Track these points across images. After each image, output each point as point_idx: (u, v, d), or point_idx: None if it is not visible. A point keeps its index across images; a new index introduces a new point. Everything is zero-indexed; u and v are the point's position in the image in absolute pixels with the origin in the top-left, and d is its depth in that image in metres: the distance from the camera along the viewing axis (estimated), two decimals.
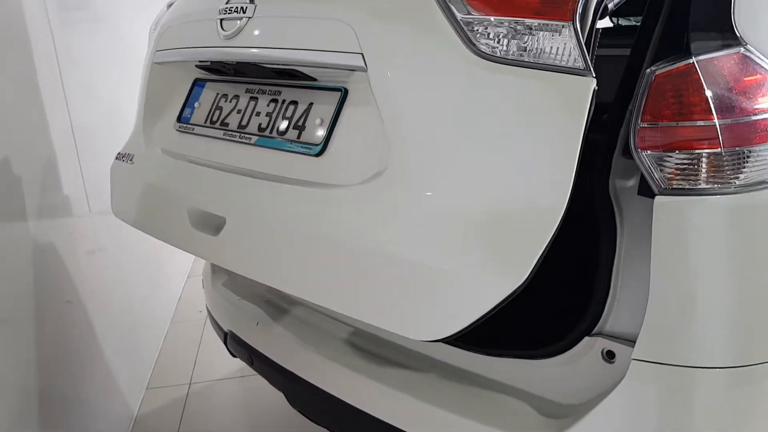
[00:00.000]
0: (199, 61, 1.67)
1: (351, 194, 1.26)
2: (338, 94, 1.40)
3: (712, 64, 1.13)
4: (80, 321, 2.40)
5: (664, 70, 1.14)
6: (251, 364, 1.90)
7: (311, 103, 1.46)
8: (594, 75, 1.05)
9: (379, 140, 1.24)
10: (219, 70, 1.66)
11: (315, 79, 1.46)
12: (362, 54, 1.27)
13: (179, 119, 1.77)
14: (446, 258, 1.10)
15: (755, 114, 1.12)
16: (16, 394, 1.80)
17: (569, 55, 1.06)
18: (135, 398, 2.77)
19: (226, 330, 1.99)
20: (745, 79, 1.15)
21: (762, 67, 1.17)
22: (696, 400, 1.16)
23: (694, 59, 1.12)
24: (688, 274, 1.13)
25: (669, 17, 1.24)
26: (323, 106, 1.43)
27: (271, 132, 1.51)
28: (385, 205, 1.20)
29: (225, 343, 2.01)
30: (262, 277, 1.42)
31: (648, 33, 1.25)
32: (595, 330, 1.28)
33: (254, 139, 1.54)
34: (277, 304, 1.90)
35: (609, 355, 1.27)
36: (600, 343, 1.27)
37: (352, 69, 1.31)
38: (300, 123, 1.46)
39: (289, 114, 1.49)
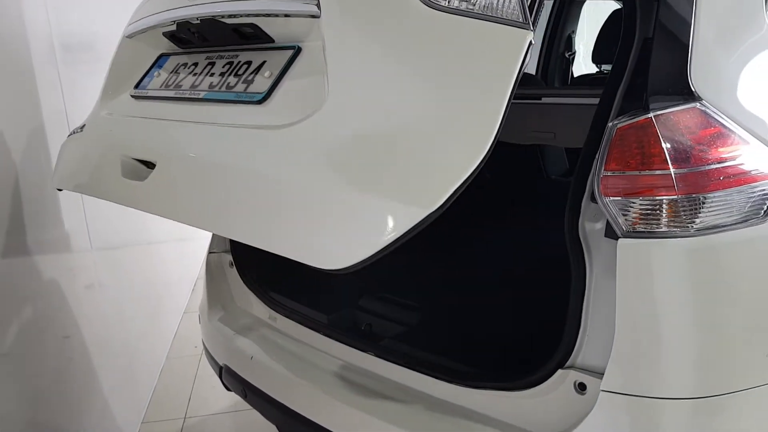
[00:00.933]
0: (171, 22, 1.70)
1: (280, 132, 1.32)
2: (291, 52, 1.47)
3: (668, 119, 1.24)
4: (78, 355, 2.46)
5: (625, 123, 1.25)
6: (245, 397, 1.97)
7: (264, 61, 1.53)
8: (532, 29, 1.14)
9: (321, 86, 1.30)
10: (184, 39, 1.71)
11: (273, 40, 1.54)
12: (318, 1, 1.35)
13: (136, 87, 1.82)
14: (359, 186, 1.16)
15: (709, 164, 1.23)
16: (16, 426, 1.86)
17: (512, 10, 1.16)
18: None
19: (221, 364, 2.06)
20: (700, 132, 1.26)
21: (717, 121, 1.28)
22: (660, 430, 1.24)
23: (652, 114, 1.23)
24: (651, 311, 1.23)
25: (633, 74, 1.35)
26: (275, 62, 1.50)
27: (220, 88, 1.57)
28: (309, 139, 1.27)
29: (220, 376, 2.08)
30: (184, 216, 1.43)
31: (614, 87, 1.36)
32: (568, 363, 1.36)
33: (203, 94, 1.59)
34: (271, 339, 1.97)
35: (581, 387, 1.35)
36: (572, 376, 1.36)
37: (310, 15, 1.39)
38: (249, 78, 1.52)
39: (241, 72, 1.56)
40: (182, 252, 4.74)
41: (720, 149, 1.25)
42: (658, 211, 1.21)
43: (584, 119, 2.12)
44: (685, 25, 1.34)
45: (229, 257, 2.19)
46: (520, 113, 2.28)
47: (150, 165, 1.51)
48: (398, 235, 1.10)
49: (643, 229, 1.22)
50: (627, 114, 1.26)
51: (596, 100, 1.96)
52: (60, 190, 1.88)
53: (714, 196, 1.22)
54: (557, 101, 2.14)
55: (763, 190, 1.27)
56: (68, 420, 2.26)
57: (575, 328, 1.35)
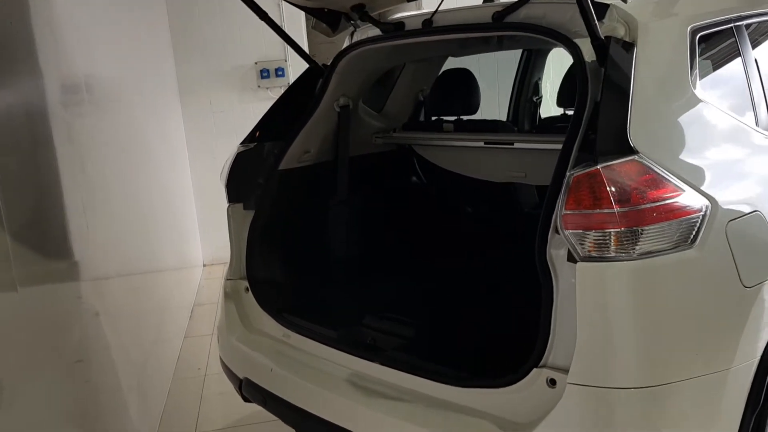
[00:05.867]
0: None
1: None
2: None
3: (612, 169, 1.59)
4: (92, 377, 2.64)
5: (579, 173, 1.60)
6: (265, 405, 2.26)
7: None
8: None
9: None
10: None
11: None
12: None
13: None
14: None
15: (645, 203, 1.58)
16: None
17: None
18: None
19: (241, 377, 2.35)
20: (638, 178, 1.61)
21: (651, 169, 1.63)
22: (614, 412, 1.58)
23: (599, 165, 1.59)
24: (604, 319, 1.57)
25: (585, 132, 1.71)
26: None
27: None
28: None
29: (240, 389, 2.37)
30: None
31: (571, 142, 1.72)
32: (541, 363, 1.70)
33: None
34: (286, 354, 2.28)
35: (551, 382, 1.68)
36: (545, 373, 1.69)
37: None
38: None
39: None
40: (179, 280, 4.99)
41: (654, 192, 1.61)
42: (606, 241, 1.56)
43: (550, 161, 2.49)
44: (625, 93, 1.71)
45: (245, 283, 2.50)
46: (497, 156, 2.66)
47: None
48: None
49: (595, 255, 1.57)
50: (580, 165, 1.62)
51: (559, 145, 2.34)
52: None
53: (649, 229, 1.57)
54: (527, 146, 2.51)
55: (689, 222, 1.63)
56: None
57: (546, 335, 1.69)
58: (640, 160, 1.63)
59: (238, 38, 5.40)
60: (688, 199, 1.65)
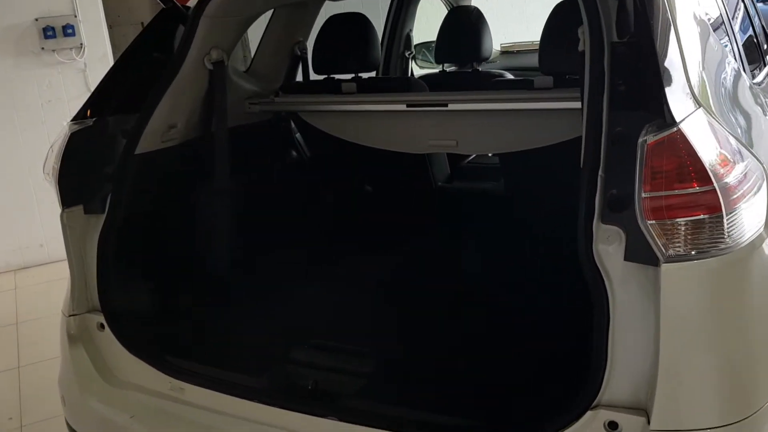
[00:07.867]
0: None
1: None
2: None
3: (692, 129, 1.15)
4: None
5: (654, 138, 1.14)
6: None
7: None
8: None
9: None
10: None
11: None
12: None
13: None
14: None
15: (731, 173, 1.17)
16: None
17: None
18: None
19: None
20: (717, 139, 1.20)
21: (720, 127, 1.23)
22: None
23: (679, 125, 1.14)
24: (701, 338, 1.14)
25: (612, 83, 1.25)
26: None
27: None
28: None
29: None
30: None
31: (597, 96, 1.26)
32: (595, 402, 1.24)
33: None
34: (181, 417, 1.60)
35: (611, 426, 1.23)
36: (602, 415, 1.23)
37: None
38: None
39: None
40: None
41: (732, 156, 1.21)
42: (703, 230, 1.12)
43: (496, 124, 2.02)
44: (667, 24, 1.29)
45: (98, 318, 1.75)
46: (418, 121, 2.11)
47: None
48: None
49: (686, 252, 1.13)
50: (650, 126, 1.15)
51: (522, 104, 1.85)
52: None
53: (744, 207, 1.16)
54: (463, 107, 2.00)
55: (763, 194, 1.25)
56: None
57: (601, 363, 1.22)
58: (705, 114, 1.22)
59: None
60: (754, 164, 1.26)
